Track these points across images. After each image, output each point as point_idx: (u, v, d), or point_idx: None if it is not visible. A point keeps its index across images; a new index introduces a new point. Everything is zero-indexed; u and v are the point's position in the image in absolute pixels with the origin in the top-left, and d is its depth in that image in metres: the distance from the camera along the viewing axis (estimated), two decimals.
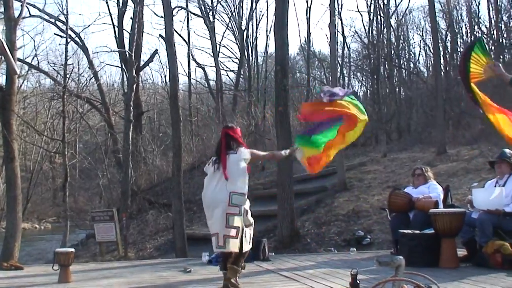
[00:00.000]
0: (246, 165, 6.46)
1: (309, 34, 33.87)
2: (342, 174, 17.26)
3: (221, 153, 6.47)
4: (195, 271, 8.03)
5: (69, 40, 23.07)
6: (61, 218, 28.25)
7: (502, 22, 26.34)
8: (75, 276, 7.42)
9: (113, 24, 28.84)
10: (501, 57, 25.69)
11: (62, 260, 7.25)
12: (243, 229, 6.29)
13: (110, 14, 29.17)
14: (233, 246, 6.20)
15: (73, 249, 7.61)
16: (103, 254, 16.63)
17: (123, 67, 26.60)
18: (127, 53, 23.54)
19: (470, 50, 7.50)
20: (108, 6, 35.84)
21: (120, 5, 28.27)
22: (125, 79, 27.40)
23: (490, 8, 26.99)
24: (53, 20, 26.24)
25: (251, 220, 6.49)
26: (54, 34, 46.09)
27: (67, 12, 23.19)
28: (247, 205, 6.42)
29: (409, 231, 7.96)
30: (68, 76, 22.75)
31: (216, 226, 6.25)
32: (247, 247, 6.37)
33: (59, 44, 64.84)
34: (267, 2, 50.20)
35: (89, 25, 52.33)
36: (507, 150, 8.06)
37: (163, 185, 23.92)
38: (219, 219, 6.21)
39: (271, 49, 32.52)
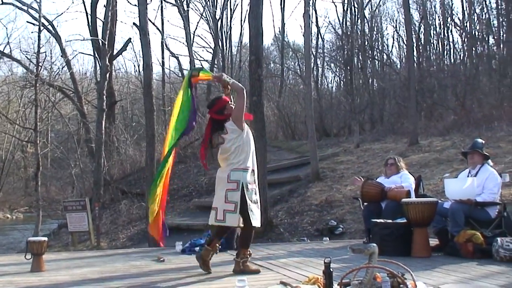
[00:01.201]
0: (241, 135, 6.44)
1: (283, 24, 34.02)
2: (315, 164, 17.32)
3: (202, 144, 6.79)
4: (169, 260, 8.01)
5: (42, 28, 22.78)
6: (33, 208, 27.93)
7: (475, 14, 26.58)
8: (47, 265, 7.34)
9: (86, 12, 28.45)
10: (474, 49, 25.94)
11: (35, 249, 7.16)
12: (244, 204, 6.32)
13: (84, 2, 28.71)
14: (232, 220, 6.38)
15: (46, 238, 7.51)
16: (76, 244, 16.53)
17: (96, 55, 26.35)
18: (100, 42, 23.30)
19: None
20: None
21: None
22: (98, 67, 27.21)
23: (464, 0, 27.25)
24: (25, 8, 25.79)
25: (255, 197, 6.50)
26: (27, 22, 45.51)
27: None
28: (250, 180, 6.43)
29: (381, 220, 8.02)
30: (40, 64, 22.43)
31: (216, 201, 6.51)
32: (255, 223, 6.44)
33: (32, 32, 64.32)
34: None
35: (62, 13, 51.70)
36: (479, 141, 8.18)
37: (136, 174, 23.79)
38: (220, 195, 6.45)
39: (245, 39, 32.52)
